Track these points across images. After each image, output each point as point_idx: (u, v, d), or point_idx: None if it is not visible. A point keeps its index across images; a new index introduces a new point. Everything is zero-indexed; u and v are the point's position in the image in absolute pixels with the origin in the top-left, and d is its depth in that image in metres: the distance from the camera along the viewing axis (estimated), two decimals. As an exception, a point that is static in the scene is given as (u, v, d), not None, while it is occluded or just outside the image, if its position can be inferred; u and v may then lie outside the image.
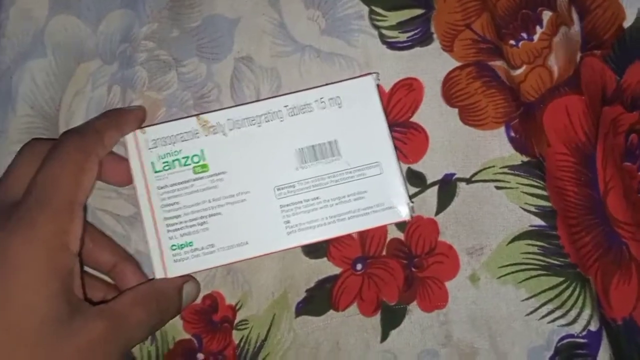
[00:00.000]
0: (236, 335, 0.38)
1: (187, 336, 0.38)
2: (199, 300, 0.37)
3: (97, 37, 0.39)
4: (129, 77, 0.39)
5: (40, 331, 0.27)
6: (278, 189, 0.34)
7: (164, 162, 0.34)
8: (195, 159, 0.34)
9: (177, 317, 0.38)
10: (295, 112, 0.34)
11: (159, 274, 0.34)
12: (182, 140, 0.34)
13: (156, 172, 0.34)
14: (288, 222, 0.34)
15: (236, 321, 0.38)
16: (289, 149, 0.34)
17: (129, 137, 0.35)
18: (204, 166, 0.34)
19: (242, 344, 0.37)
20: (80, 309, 0.29)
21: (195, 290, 0.36)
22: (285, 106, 0.34)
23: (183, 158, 0.34)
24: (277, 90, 0.38)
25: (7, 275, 0.28)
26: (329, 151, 0.34)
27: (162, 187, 0.34)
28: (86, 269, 0.36)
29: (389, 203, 0.34)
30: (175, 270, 0.34)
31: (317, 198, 0.34)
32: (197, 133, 0.34)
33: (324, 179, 0.34)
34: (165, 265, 0.34)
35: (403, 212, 0.34)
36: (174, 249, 0.34)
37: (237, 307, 0.38)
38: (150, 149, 0.34)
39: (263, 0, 0.39)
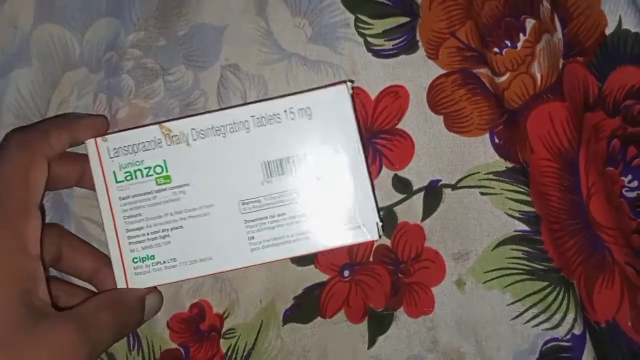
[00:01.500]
0: (224, 344, 0.38)
1: (174, 345, 0.38)
2: (186, 309, 0.37)
3: (82, 46, 0.39)
4: (115, 86, 0.39)
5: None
6: (243, 204, 0.33)
7: (125, 172, 0.33)
8: (158, 170, 0.33)
9: (164, 326, 0.38)
10: (262, 123, 0.33)
11: (120, 286, 0.33)
12: (144, 150, 0.33)
13: (118, 182, 0.33)
14: (252, 238, 0.32)
15: (224, 330, 0.38)
16: (255, 162, 0.33)
17: (90, 144, 0.33)
18: (167, 177, 0.33)
19: (229, 352, 0.38)
20: (46, 314, 0.28)
21: (158, 303, 0.35)
22: (252, 116, 0.33)
23: (145, 168, 0.33)
24: (264, 97, 0.38)
25: None
26: (296, 165, 0.33)
27: (124, 198, 0.33)
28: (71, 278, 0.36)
29: (357, 221, 0.32)
30: (137, 282, 0.33)
31: (283, 214, 0.32)
32: (159, 142, 0.33)
33: (291, 194, 0.32)
34: (127, 277, 0.33)
35: (371, 232, 0.32)
36: (136, 262, 0.33)
37: (225, 316, 0.38)
38: (111, 157, 0.33)
39: (250, 9, 0.39)
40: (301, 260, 0.37)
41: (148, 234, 0.33)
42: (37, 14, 0.40)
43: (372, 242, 0.37)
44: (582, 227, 0.35)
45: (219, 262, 0.33)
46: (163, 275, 0.33)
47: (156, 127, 0.33)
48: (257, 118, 0.33)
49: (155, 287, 0.34)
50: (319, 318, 0.37)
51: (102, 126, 0.36)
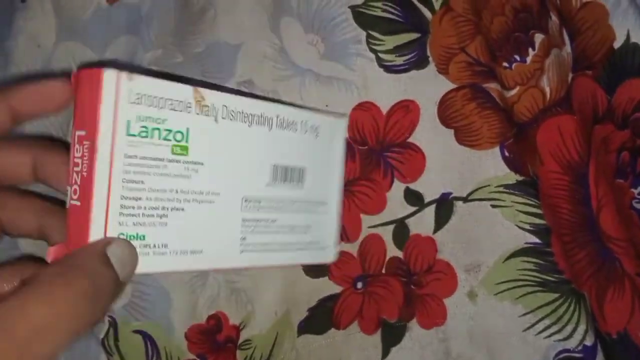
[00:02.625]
0: (240, 355, 0.38)
1: (192, 356, 0.38)
2: (203, 320, 0.38)
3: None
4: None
5: None
6: (246, 201, 0.30)
7: (142, 127, 0.26)
8: (178, 137, 0.27)
9: (182, 338, 0.38)
10: (283, 127, 0.32)
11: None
12: (171, 109, 0.27)
13: (129, 134, 0.26)
14: (244, 239, 0.30)
15: (240, 341, 0.38)
16: (266, 162, 0.31)
17: (109, 75, 0.25)
18: (184, 148, 0.28)
19: (246, 362, 0.38)
20: None
21: (128, 251, 0.25)
22: (277, 116, 0.32)
23: (165, 130, 0.27)
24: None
25: None
26: (296, 177, 0.33)
27: (130, 156, 0.26)
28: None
29: (322, 243, 0.35)
30: None
31: (275, 221, 0.32)
32: (189, 107, 0.28)
33: (286, 202, 0.32)
34: None
35: (331, 255, 0.35)
36: None
37: (241, 327, 0.38)
38: (131, 102, 0.26)
39: (264, 26, 0.40)
40: (315, 272, 0.38)
41: (145, 208, 0.26)
42: (58, 33, 0.41)
43: (384, 254, 0.38)
44: (592, 239, 0.36)
45: (208, 258, 0.29)
46: (149, 262, 0.26)
47: (190, 88, 0.28)
48: (281, 120, 0.32)
49: (116, 237, 0.25)
50: (332, 329, 0.38)
51: (59, 94, 0.26)
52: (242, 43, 0.40)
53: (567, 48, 0.38)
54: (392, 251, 0.38)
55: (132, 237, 0.26)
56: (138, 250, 0.26)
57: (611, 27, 0.38)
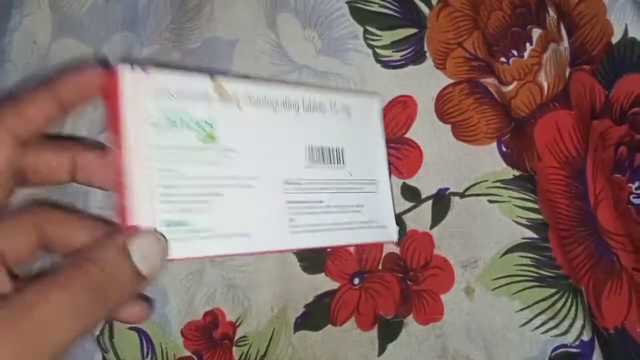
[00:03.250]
0: (236, 352, 0.38)
1: (188, 353, 0.38)
2: (199, 317, 0.38)
3: (99, 60, 0.41)
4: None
5: None
6: (287, 183, 0.30)
7: (166, 118, 0.26)
8: (204, 126, 0.28)
9: (178, 334, 0.38)
10: (310, 109, 0.32)
11: None
12: (192, 99, 0.27)
13: (155, 126, 0.26)
14: (293, 220, 0.30)
15: (236, 337, 0.38)
16: (300, 145, 0.31)
17: (125, 70, 0.25)
18: (212, 136, 0.28)
19: None
20: None
21: (152, 243, 0.25)
22: (303, 99, 0.31)
23: (190, 120, 0.27)
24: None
25: None
26: (335, 157, 0.32)
27: (160, 147, 0.26)
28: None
29: (381, 222, 0.33)
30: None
31: (322, 202, 0.31)
32: (210, 96, 0.28)
33: (329, 183, 0.32)
34: None
35: (393, 234, 0.34)
36: (168, 226, 0.26)
37: (237, 324, 0.38)
38: (151, 96, 0.26)
39: (260, 22, 0.40)
40: (312, 268, 0.38)
41: (185, 195, 0.26)
42: (54, 29, 0.41)
43: (381, 250, 0.38)
44: (589, 234, 0.35)
45: (258, 240, 0.28)
46: (198, 246, 0.27)
47: (207, 79, 0.28)
48: (307, 102, 0.32)
49: (137, 228, 0.25)
50: (329, 325, 0.38)
51: (99, 80, 0.26)
52: (239, 39, 0.40)
53: (565, 43, 0.38)
54: (389, 247, 0.38)
55: (178, 223, 0.26)
56: (185, 235, 0.26)
57: (609, 21, 0.38)
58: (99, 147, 0.28)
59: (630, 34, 0.36)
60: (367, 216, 0.33)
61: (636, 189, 0.35)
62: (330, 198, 0.32)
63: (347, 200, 0.32)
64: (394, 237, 0.34)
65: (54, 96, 0.25)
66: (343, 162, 0.33)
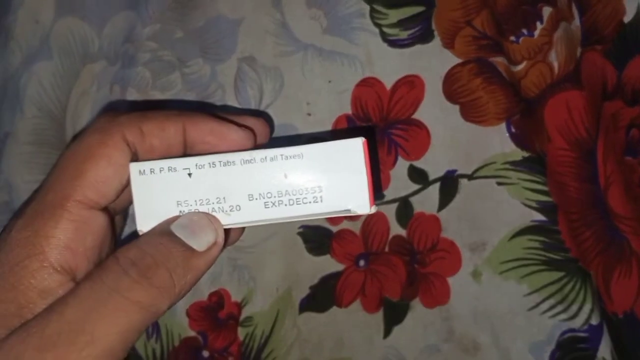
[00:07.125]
0: (241, 332, 0.38)
1: (193, 333, 0.38)
2: (205, 297, 0.38)
3: (101, 39, 0.40)
4: (129, 77, 0.39)
5: None
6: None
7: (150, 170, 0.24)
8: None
9: (183, 314, 0.38)
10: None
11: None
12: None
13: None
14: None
15: (241, 318, 0.38)
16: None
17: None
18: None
19: (247, 340, 0.38)
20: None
21: (195, 218, 0.23)
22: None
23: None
24: (279, 89, 0.38)
25: None
26: None
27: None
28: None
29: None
30: None
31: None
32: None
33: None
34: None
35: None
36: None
37: (243, 304, 0.38)
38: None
39: (265, 1, 0.39)
40: (317, 250, 0.38)
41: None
42: (57, 8, 0.41)
43: (387, 232, 0.37)
44: (599, 217, 0.35)
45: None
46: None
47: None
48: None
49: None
50: (334, 307, 0.37)
51: (237, 140, 0.25)
52: (243, 18, 0.39)
53: (576, 22, 0.37)
54: (396, 229, 0.37)
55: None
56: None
57: (621, 1, 0.37)
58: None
59: (644, 13, 0.35)
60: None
61: (647, 171, 0.35)
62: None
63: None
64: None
65: (182, 126, 0.24)
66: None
